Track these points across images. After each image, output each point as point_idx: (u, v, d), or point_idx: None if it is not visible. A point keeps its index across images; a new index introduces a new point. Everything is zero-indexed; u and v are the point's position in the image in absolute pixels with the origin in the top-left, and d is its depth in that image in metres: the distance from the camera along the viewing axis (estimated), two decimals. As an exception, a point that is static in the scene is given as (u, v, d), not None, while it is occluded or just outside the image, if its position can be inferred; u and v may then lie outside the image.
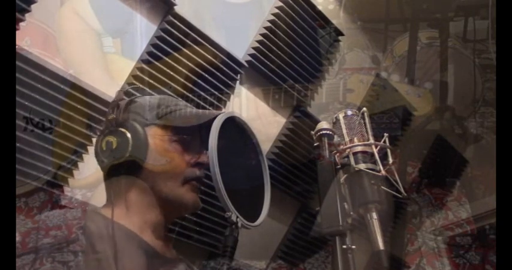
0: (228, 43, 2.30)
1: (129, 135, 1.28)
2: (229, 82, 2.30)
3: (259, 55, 2.43)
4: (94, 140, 1.82)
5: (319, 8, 2.70)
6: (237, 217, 1.26)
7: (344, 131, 1.43)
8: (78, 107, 1.80)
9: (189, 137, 1.34)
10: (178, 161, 1.33)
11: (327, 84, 2.81)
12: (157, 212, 1.32)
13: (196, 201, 1.36)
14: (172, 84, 2.06)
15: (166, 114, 1.34)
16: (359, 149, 1.40)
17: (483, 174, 3.28)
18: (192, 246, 2.16)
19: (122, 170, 1.30)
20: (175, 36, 2.08)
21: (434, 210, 3.32)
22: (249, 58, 2.41)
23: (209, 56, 2.19)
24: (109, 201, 1.34)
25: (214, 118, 1.28)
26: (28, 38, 1.79)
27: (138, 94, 1.57)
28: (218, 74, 2.23)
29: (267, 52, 2.45)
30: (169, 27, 2.07)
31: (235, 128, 1.39)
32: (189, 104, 1.43)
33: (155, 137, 1.31)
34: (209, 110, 1.35)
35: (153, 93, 2.00)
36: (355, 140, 1.41)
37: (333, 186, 1.36)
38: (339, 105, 2.83)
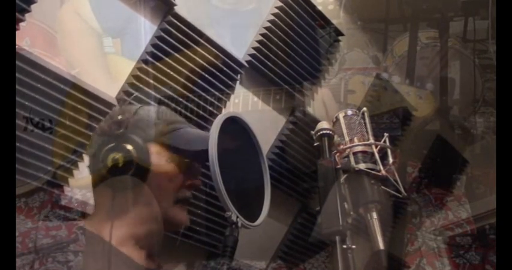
0: (228, 43, 2.30)
1: (134, 153, 1.29)
2: (229, 82, 2.30)
3: (259, 55, 2.43)
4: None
5: (319, 8, 2.70)
6: (237, 217, 1.26)
7: (344, 130, 1.43)
8: (78, 107, 1.80)
9: (188, 160, 1.36)
10: (175, 182, 1.35)
11: (328, 85, 2.81)
12: (146, 227, 1.34)
13: (186, 220, 1.38)
14: (172, 84, 2.07)
15: (169, 132, 1.36)
16: (359, 148, 1.40)
17: (483, 174, 3.29)
18: (192, 246, 2.16)
19: (119, 184, 1.31)
20: (175, 36, 2.08)
21: (434, 210, 3.32)
22: (249, 58, 2.41)
23: (209, 56, 2.19)
24: (98, 212, 1.36)
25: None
26: (28, 38, 1.79)
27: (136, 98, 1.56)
28: (218, 74, 2.23)
29: (267, 52, 2.45)
30: (169, 27, 2.07)
31: (235, 128, 1.39)
32: (187, 122, 1.45)
33: (156, 155, 1.33)
34: (208, 129, 1.37)
35: (153, 93, 2.01)
36: (355, 139, 1.41)
37: (333, 186, 1.36)
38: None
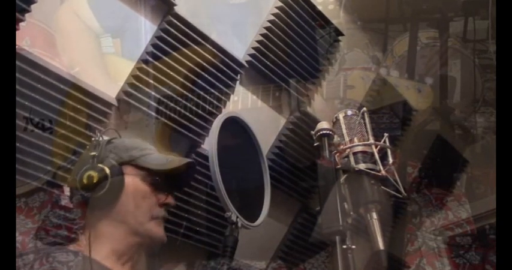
0: (228, 43, 2.30)
1: (108, 171, 1.38)
2: (229, 82, 2.30)
3: (259, 55, 2.43)
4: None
5: (319, 8, 2.69)
6: (237, 217, 1.27)
7: (344, 131, 1.43)
8: (78, 107, 1.80)
9: (159, 179, 1.43)
10: (148, 200, 1.42)
11: (327, 80, 2.81)
12: (125, 242, 1.40)
13: (163, 235, 1.44)
14: (172, 84, 2.06)
15: (141, 156, 1.44)
16: (359, 148, 1.40)
17: (483, 174, 3.28)
18: (192, 246, 2.16)
19: (98, 202, 1.39)
20: (175, 36, 2.08)
21: (434, 210, 3.31)
22: (249, 58, 2.41)
23: (209, 56, 2.19)
24: (84, 233, 1.42)
25: (185, 164, 1.40)
26: (28, 38, 1.79)
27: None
28: (218, 74, 2.23)
29: (267, 52, 2.45)
30: (169, 27, 2.07)
31: (235, 128, 1.40)
32: (156, 150, 1.52)
33: (129, 175, 1.41)
34: (177, 156, 1.49)
35: (153, 93, 2.01)
36: (355, 140, 1.42)
37: (333, 186, 1.36)
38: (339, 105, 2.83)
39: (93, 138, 1.46)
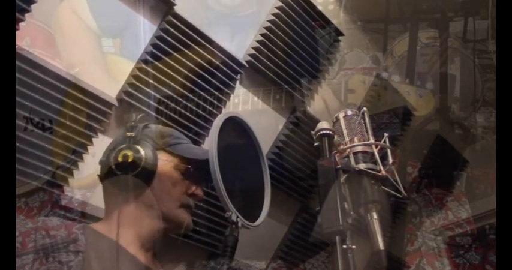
0: (228, 43, 2.30)
1: (143, 152, 1.38)
2: (229, 82, 2.30)
3: (259, 55, 2.43)
4: (90, 148, 1.84)
5: (319, 8, 2.69)
6: (237, 217, 1.27)
7: (344, 131, 1.43)
8: (78, 106, 1.80)
9: (191, 168, 1.43)
10: (178, 188, 1.42)
11: (329, 84, 2.81)
12: (150, 228, 1.39)
13: (190, 222, 1.45)
14: (172, 84, 2.06)
15: (176, 144, 1.44)
16: (359, 149, 1.40)
17: (483, 174, 3.28)
18: (193, 246, 2.16)
19: (128, 184, 1.38)
20: (175, 36, 2.08)
21: (434, 210, 3.31)
22: (249, 58, 2.41)
23: (209, 56, 2.19)
24: (108, 215, 1.40)
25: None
26: (28, 38, 1.79)
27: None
28: (218, 74, 2.23)
29: (267, 52, 2.45)
30: (169, 27, 2.07)
31: (235, 128, 1.40)
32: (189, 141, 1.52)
33: (163, 161, 1.41)
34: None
35: (153, 93, 2.01)
36: (355, 140, 1.41)
37: (333, 186, 1.36)
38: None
39: (129, 122, 1.45)
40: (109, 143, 1.46)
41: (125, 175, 1.37)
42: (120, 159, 1.37)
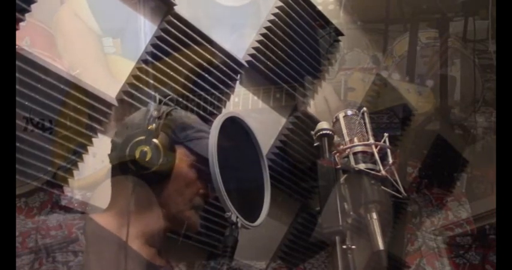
0: (228, 43, 2.30)
1: (162, 150, 1.33)
2: (229, 82, 2.30)
3: (259, 55, 2.43)
4: (97, 140, 1.83)
5: (319, 8, 2.70)
6: (237, 217, 1.27)
7: (344, 131, 1.43)
8: (79, 107, 1.80)
9: (206, 168, 1.36)
10: (191, 189, 1.38)
11: (329, 83, 2.81)
12: (157, 226, 1.36)
13: (198, 225, 1.41)
14: (172, 84, 2.06)
15: (194, 139, 1.39)
16: (359, 149, 1.40)
17: (483, 174, 3.28)
18: (192, 246, 2.16)
19: (141, 180, 1.34)
20: (175, 36, 2.08)
21: (434, 210, 3.32)
22: (249, 58, 2.41)
23: (209, 56, 2.19)
24: (113, 206, 1.37)
25: None
26: (28, 38, 1.79)
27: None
28: (218, 74, 2.23)
29: (267, 52, 2.45)
30: (169, 27, 2.07)
31: (235, 128, 1.40)
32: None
33: (180, 157, 1.36)
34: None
35: (153, 93, 2.01)
36: (355, 140, 1.41)
37: (333, 186, 1.36)
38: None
39: (155, 113, 1.37)
40: (125, 120, 1.41)
41: (137, 171, 1.32)
42: (137, 155, 1.31)
